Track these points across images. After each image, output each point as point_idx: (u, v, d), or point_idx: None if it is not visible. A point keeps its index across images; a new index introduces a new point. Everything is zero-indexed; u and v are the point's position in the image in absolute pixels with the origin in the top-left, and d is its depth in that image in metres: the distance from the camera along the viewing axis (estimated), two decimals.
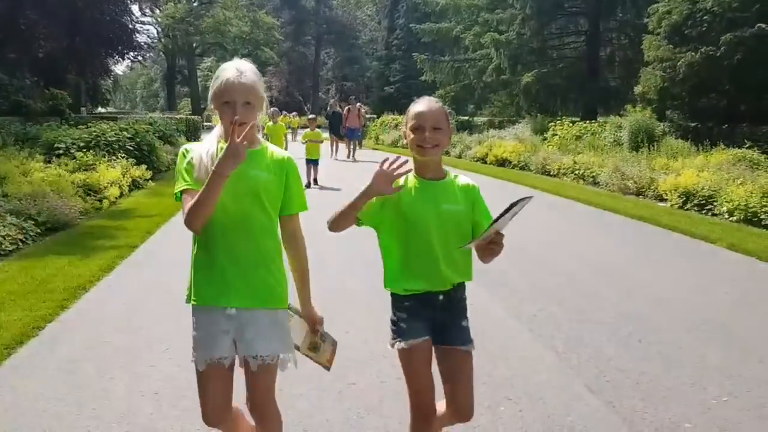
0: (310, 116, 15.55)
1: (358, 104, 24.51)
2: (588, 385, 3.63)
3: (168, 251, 7.16)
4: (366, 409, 3.36)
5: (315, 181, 13.79)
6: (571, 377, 3.74)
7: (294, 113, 38.07)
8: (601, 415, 3.29)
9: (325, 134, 29.64)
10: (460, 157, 20.54)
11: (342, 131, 21.72)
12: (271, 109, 12.24)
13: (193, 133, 32.51)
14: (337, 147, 21.49)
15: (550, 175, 15.00)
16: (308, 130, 14.35)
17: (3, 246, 6.85)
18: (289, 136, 32.12)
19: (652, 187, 11.20)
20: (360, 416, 3.28)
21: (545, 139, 19.24)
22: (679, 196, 10.17)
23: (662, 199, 10.71)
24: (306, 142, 14.12)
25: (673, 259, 6.84)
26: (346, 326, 4.63)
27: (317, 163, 13.83)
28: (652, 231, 8.33)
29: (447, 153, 21.76)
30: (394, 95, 46.35)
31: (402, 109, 32.37)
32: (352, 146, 21.42)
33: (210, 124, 38.67)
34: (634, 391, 3.56)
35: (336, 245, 7.37)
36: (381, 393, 3.54)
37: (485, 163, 18.38)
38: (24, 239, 7.33)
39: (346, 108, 21.83)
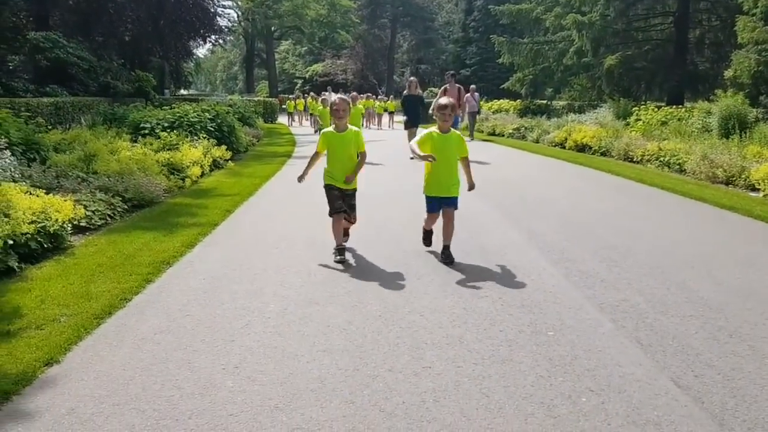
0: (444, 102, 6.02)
1: (473, 86, 21.39)
2: (675, 380, 3.47)
3: (247, 229, 7.31)
4: (442, 392, 3.32)
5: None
6: (656, 371, 3.59)
7: (381, 96, 35.45)
8: (689, 411, 3.14)
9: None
10: (537, 141, 20.10)
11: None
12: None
13: (270, 115, 33.14)
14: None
15: (633, 162, 14.48)
16: (434, 130, 6.05)
17: (93, 221, 7.16)
18: (381, 123, 30.23)
19: (743, 176, 10.63)
20: (436, 399, 3.24)
21: (628, 124, 18.60)
22: None
23: (754, 189, 10.15)
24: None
25: (766, 251, 6.47)
26: (422, 309, 4.61)
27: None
28: (743, 222, 7.91)
29: (523, 137, 21.33)
30: (471, 78, 45.83)
31: (478, 93, 31.74)
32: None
33: (284, 107, 39.23)
34: (725, 388, 3.38)
35: (406, 233, 7.37)
36: (457, 377, 3.49)
37: (564, 148, 17.90)
38: (112, 215, 7.64)
39: (442, 88, 16.45)
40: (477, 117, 23.51)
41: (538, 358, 3.76)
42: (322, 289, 5.10)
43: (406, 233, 7.08)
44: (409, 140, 14.75)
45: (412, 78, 15.91)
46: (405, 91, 16.15)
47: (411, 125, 15.20)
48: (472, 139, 20.56)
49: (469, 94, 21.08)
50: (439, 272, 5.55)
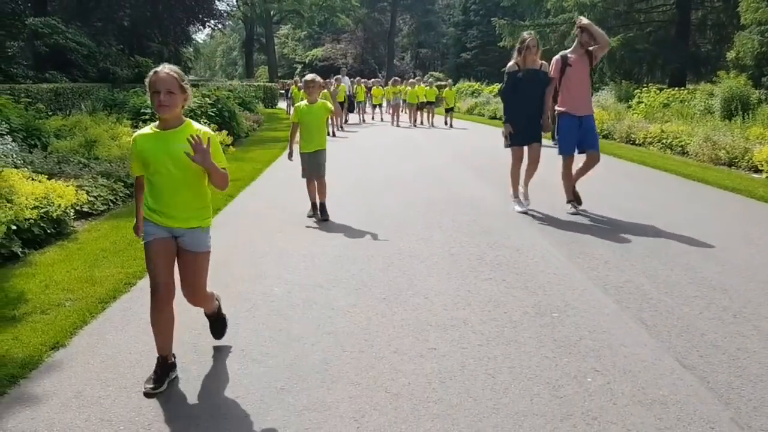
0: None
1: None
2: (680, 359, 3.47)
3: (249, 214, 7.30)
4: (448, 373, 3.32)
5: None
6: (661, 351, 3.59)
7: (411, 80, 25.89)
8: (694, 390, 3.14)
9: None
10: None
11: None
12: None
13: (270, 100, 33.00)
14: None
15: (636, 144, 14.43)
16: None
17: (95, 206, 7.15)
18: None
19: (746, 158, 10.59)
20: (442, 380, 3.25)
21: (630, 106, 18.51)
22: None
23: (757, 171, 10.12)
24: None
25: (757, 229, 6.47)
26: (426, 292, 4.61)
27: None
28: (746, 203, 7.89)
29: None
30: (471, 62, 45.73)
31: (479, 76, 31.23)
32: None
33: (284, 93, 38.85)
34: (730, 368, 3.38)
35: (417, 212, 7.36)
36: (462, 358, 3.50)
37: None
38: (114, 200, 7.64)
39: (558, 57, 7.35)
40: None
41: (543, 339, 3.77)
42: (326, 272, 5.10)
43: (409, 219, 7.08)
44: (515, 175, 7.53)
45: (527, 35, 7.52)
46: (513, 61, 7.45)
47: (524, 140, 7.36)
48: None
49: None
50: (443, 255, 5.55)
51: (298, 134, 7.04)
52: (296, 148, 7.10)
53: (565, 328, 3.93)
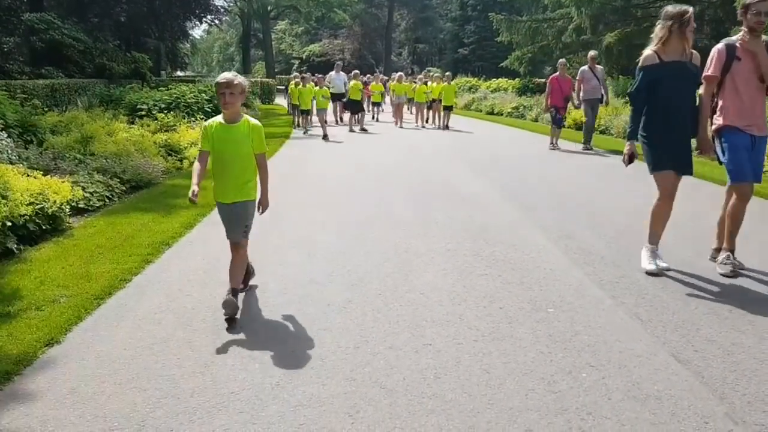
0: None
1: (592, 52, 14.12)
2: (675, 354, 3.48)
3: None
4: (443, 369, 3.32)
5: None
6: (656, 346, 3.59)
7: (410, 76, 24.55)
8: (689, 385, 3.14)
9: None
10: (536, 120, 20.01)
11: (552, 112, 14.00)
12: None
13: (268, 95, 32.90)
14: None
15: None
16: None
17: (91, 202, 7.14)
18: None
19: None
20: (437, 376, 3.25)
21: (627, 102, 18.50)
22: None
23: None
24: None
25: (765, 228, 6.47)
26: (422, 288, 4.61)
27: None
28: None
29: (522, 116, 21.23)
30: (469, 57, 45.68)
31: (476, 72, 31.21)
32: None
33: (281, 87, 38.84)
34: (725, 363, 3.39)
35: (413, 208, 7.36)
36: (457, 354, 3.50)
37: (564, 127, 17.82)
38: (110, 196, 7.62)
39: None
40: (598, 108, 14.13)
41: (538, 334, 3.77)
42: (321, 268, 5.10)
43: (405, 215, 7.08)
44: (660, 215, 5.13)
45: (675, 8, 4.80)
46: (649, 49, 5.01)
47: (676, 163, 5.02)
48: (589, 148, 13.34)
49: (586, 67, 13.95)
50: (439, 251, 5.55)
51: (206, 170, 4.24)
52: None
53: (560, 324, 3.93)
